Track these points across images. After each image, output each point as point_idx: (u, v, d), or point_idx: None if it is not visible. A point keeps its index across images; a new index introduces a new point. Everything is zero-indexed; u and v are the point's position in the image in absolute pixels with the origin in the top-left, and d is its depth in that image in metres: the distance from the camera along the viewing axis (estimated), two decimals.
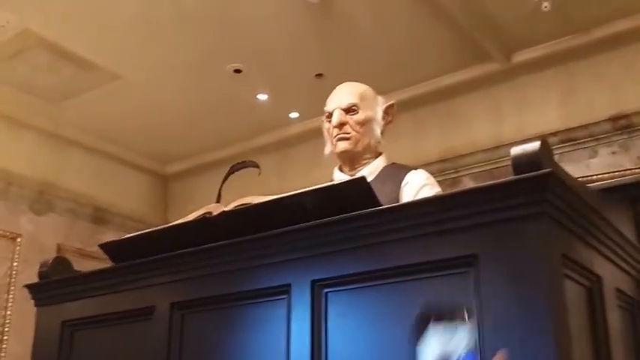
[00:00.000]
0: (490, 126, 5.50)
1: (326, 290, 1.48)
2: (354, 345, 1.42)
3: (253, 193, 1.68)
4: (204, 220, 1.71)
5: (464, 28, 4.98)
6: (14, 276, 5.74)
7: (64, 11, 4.74)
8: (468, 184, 5.37)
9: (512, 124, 5.38)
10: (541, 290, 1.20)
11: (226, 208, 1.67)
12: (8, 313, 5.64)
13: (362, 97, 2.39)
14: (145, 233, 1.86)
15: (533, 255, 1.22)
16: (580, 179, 4.45)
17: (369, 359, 1.40)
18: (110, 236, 5.69)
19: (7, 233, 5.95)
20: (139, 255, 1.82)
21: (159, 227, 1.84)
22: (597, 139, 5.03)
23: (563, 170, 1.32)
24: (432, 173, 2.36)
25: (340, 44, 5.15)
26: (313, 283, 1.49)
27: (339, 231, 1.46)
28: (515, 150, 1.26)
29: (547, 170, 1.22)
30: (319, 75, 5.47)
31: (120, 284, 1.88)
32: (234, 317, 1.65)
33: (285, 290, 1.53)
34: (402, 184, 2.26)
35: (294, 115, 6.24)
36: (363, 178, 1.52)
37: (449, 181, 5.47)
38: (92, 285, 1.96)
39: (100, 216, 6.78)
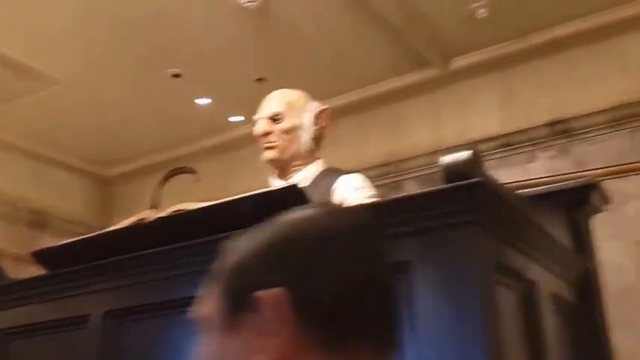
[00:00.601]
0: (431, 130, 5.57)
1: None
2: None
3: (197, 196, 1.67)
4: (140, 226, 1.68)
5: (403, 34, 5.04)
6: None
7: None
8: (411, 187, 5.43)
9: (452, 128, 5.46)
10: (473, 297, 1.21)
11: (162, 214, 1.65)
12: None
13: (289, 105, 2.39)
14: (79, 240, 1.82)
15: (465, 262, 1.24)
16: (518, 183, 4.58)
17: None
18: (49, 240, 5.57)
19: None
20: (73, 262, 1.79)
21: (93, 233, 1.80)
22: (536, 144, 5.12)
23: (493, 178, 1.33)
24: (374, 177, 2.38)
25: (280, 48, 5.16)
26: None
27: None
28: (446, 159, 1.27)
29: (477, 179, 1.23)
30: (260, 79, 5.46)
31: (53, 292, 1.85)
32: (170, 325, 1.62)
33: None
34: (333, 189, 2.25)
35: (236, 118, 6.22)
36: (296, 185, 1.52)
37: (392, 185, 5.52)
38: (25, 293, 1.92)
39: (39, 220, 6.64)
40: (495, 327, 1.24)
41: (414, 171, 5.53)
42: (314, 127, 2.41)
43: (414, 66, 5.48)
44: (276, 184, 2.37)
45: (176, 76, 5.48)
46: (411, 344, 1.24)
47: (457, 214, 1.25)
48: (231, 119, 6.23)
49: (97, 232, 1.80)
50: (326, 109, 2.47)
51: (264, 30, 4.93)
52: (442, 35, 5.16)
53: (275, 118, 2.37)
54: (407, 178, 5.58)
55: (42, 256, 1.94)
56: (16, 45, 5.02)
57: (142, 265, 1.66)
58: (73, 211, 6.97)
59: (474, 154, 1.27)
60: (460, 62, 5.48)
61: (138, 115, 6.10)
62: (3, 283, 2.04)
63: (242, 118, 6.13)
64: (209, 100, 5.93)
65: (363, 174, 2.40)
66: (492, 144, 5.16)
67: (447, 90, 5.58)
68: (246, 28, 4.89)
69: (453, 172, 1.26)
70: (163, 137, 6.55)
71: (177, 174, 2.11)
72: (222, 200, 1.57)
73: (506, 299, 1.37)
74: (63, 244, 1.87)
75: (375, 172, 5.36)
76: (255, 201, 1.53)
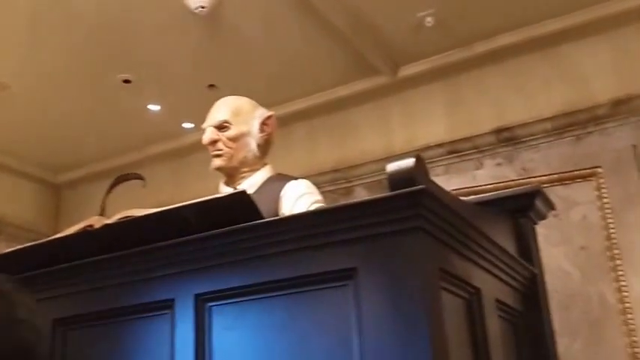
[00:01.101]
0: (380, 137, 5.62)
1: (210, 304, 1.48)
2: (239, 359, 1.42)
3: (148, 203, 1.66)
4: (86, 233, 1.66)
5: (352, 42, 5.07)
6: None
7: None
8: (361, 193, 5.47)
9: (401, 135, 5.51)
10: (418, 303, 1.23)
11: (109, 221, 1.64)
12: None
13: (235, 112, 2.41)
14: (25, 247, 1.79)
15: (410, 268, 1.26)
16: (466, 190, 4.65)
17: None
18: (2, 247, 5.46)
19: None
20: (20, 269, 1.75)
21: (39, 241, 1.78)
22: (482, 151, 5.19)
23: (437, 186, 1.36)
24: (324, 183, 2.39)
25: (231, 55, 5.15)
26: (197, 297, 1.48)
27: (221, 244, 1.47)
28: (391, 166, 1.30)
29: (420, 187, 1.25)
30: (212, 86, 5.44)
31: None
32: (117, 333, 1.62)
33: (168, 305, 1.52)
34: (281, 195, 2.27)
35: (187, 125, 6.19)
36: (243, 192, 1.52)
37: (342, 191, 5.55)
38: None
39: None
40: (440, 333, 1.27)
41: (364, 177, 5.56)
42: (260, 134, 2.42)
43: (363, 74, 5.52)
44: (225, 190, 2.38)
45: (127, 81, 5.42)
46: (357, 351, 1.27)
47: (401, 221, 1.27)
48: (184, 125, 6.19)
49: (44, 240, 1.77)
50: (272, 115, 2.48)
51: (216, 36, 4.92)
52: (391, 43, 5.21)
53: (222, 126, 2.39)
54: (357, 185, 5.61)
55: None
56: None
57: (89, 273, 1.65)
58: (25, 217, 6.85)
59: (418, 161, 1.29)
60: (408, 70, 5.54)
61: (88, 120, 6.01)
62: None
63: (193, 124, 6.10)
64: (160, 106, 5.88)
65: (313, 180, 2.43)
66: (440, 151, 5.22)
67: (396, 97, 5.63)
68: (198, 35, 4.87)
69: (398, 179, 1.28)
70: (114, 143, 6.47)
71: (124, 180, 2.09)
72: (169, 207, 1.56)
73: (451, 305, 1.40)
74: (10, 252, 1.84)
75: (325, 179, 5.39)
76: (202, 208, 1.53)
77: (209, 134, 2.39)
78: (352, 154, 5.67)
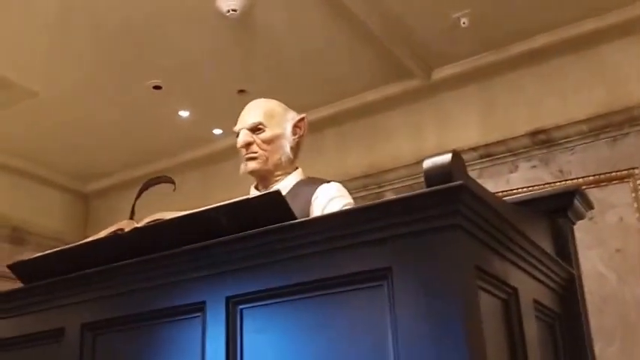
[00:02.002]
0: (412, 141, 5.58)
1: (241, 307, 1.45)
2: None
3: (178, 209, 1.63)
4: (116, 237, 1.65)
5: (385, 45, 5.05)
6: None
7: None
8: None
9: (433, 139, 5.47)
10: (454, 303, 1.19)
11: (138, 225, 1.62)
12: None
13: (268, 115, 2.38)
14: (55, 252, 1.79)
15: (446, 267, 1.21)
16: (500, 194, 4.59)
17: None
18: (29, 256, 5.51)
19: None
20: (50, 274, 1.75)
21: (69, 245, 1.77)
22: (517, 154, 5.14)
23: (475, 182, 1.32)
24: (355, 189, 2.36)
25: (262, 60, 5.15)
26: (228, 299, 1.45)
27: (253, 246, 1.44)
28: (427, 162, 1.25)
29: (458, 183, 1.21)
30: (242, 91, 5.45)
31: (28, 305, 1.81)
32: (147, 337, 1.59)
33: (199, 308, 1.49)
34: (313, 199, 2.25)
35: (217, 131, 6.19)
36: (277, 192, 1.49)
37: (373, 196, 5.52)
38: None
39: (18, 236, 6.58)
40: (477, 334, 1.22)
41: (395, 182, 5.53)
42: (293, 137, 2.40)
43: (395, 77, 5.49)
44: (255, 194, 2.34)
45: (157, 87, 5.44)
46: (392, 353, 1.23)
47: (438, 218, 1.23)
48: (215, 132, 6.20)
49: (74, 244, 1.76)
50: (304, 117, 2.45)
51: (246, 41, 4.92)
52: (424, 47, 5.18)
53: (256, 129, 2.35)
54: (388, 190, 5.58)
55: (19, 269, 1.89)
56: None
57: (119, 277, 1.63)
58: (52, 227, 6.91)
59: (455, 156, 1.25)
60: (442, 73, 5.50)
61: (118, 127, 6.06)
62: None
63: (222, 131, 6.10)
64: (189, 112, 5.89)
65: (344, 186, 2.39)
66: (473, 154, 5.17)
67: (429, 101, 5.59)
68: (228, 39, 4.88)
69: (434, 175, 1.24)
70: (143, 150, 6.51)
71: (154, 184, 2.07)
72: (199, 209, 1.54)
73: (488, 305, 1.35)
74: (39, 256, 1.84)
75: (355, 184, 5.36)
76: (233, 209, 1.50)
77: (243, 136, 2.35)
78: (383, 159, 5.64)
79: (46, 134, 6.13)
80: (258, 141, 2.34)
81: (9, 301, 1.86)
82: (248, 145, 2.35)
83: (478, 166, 5.17)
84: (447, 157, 1.25)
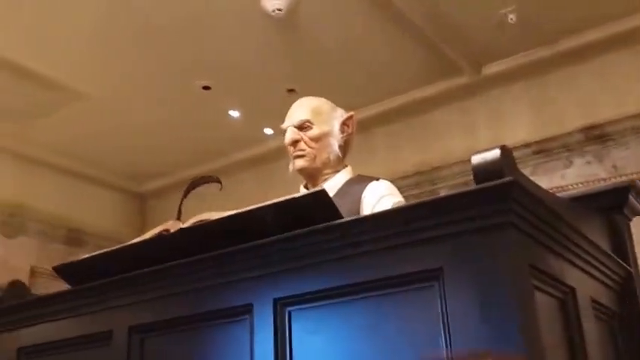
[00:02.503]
0: (464, 138, 5.50)
1: (289, 309, 1.42)
2: None
3: (230, 209, 1.61)
4: (162, 238, 1.63)
5: (433, 42, 4.99)
6: None
7: (26, 31, 4.68)
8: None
9: (485, 136, 5.38)
10: (509, 304, 1.14)
11: (184, 225, 1.60)
12: None
13: (316, 112, 2.35)
14: (102, 253, 1.78)
15: (500, 267, 1.17)
16: (554, 190, 4.48)
17: None
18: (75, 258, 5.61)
19: None
20: (96, 276, 1.75)
21: (115, 247, 1.76)
22: (571, 150, 5.03)
23: (527, 178, 1.27)
24: (407, 186, 2.32)
25: (310, 59, 5.13)
26: (276, 301, 1.42)
27: (300, 246, 1.41)
28: (476, 158, 1.21)
29: (509, 179, 1.16)
30: (291, 90, 5.44)
31: (75, 308, 1.81)
32: (195, 340, 1.58)
33: (247, 310, 1.47)
34: (362, 197, 2.20)
35: (268, 131, 6.20)
36: (322, 191, 1.46)
37: (426, 194, 5.45)
38: (47, 310, 1.89)
39: (74, 237, 6.69)
40: (534, 334, 1.17)
41: (448, 179, 5.46)
42: (341, 135, 2.37)
43: (444, 74, 5.42)
44: (304, 192, 2.32)
45: (206, 88, 5.47)
46: (446, 356, 1.18)
47: (489, 216, 1.19)
48: (265, 131, 6.21)
49: (120, 246, 1.76)
50: (352, 115, 2.42)
51: (293, 40, 4.90)
52: (473, 42, 5.10)
53: (303, 126, 2.33)
54: (441, 187, 5.51)
55: (64, 271, 1.90)
56: (42, 61, 5.06)
57: (165, 279, 1.62)
58: (109, 227, 7.00)
59: (504, 151, 1.20)
60: (492, 69, 5.42)
61: (169, 128, 6.11)
62: (23, 301, 2.01)
63: (272, 130, 6.11)
64: (239, 112, 5.91)
65: (395, 184, 2.35)
66: (526, 151, 5.07)
67: (479, 97, 5.51)
68: (275, 38, 4.87)
69: (484, 172, 1.20)
70: (196, 150, 6.55)
71: (201, 184, 2.06)
72: (245, 209, 1.51)
73: (545, 305, 1.30)
74: (84, 259, 1.84)
75: (408, 182, 5.30)
76: (279, 209, 1.47)
77: (290, 134, 2.33)
78: (435, 157, 5.57)
79: (99, 135, 6.21)
80: (306, 138, 2.32)
81: (57, 303, 1.87)
82: (295, 142, 2.32)
83: (532, 162, 5.07)
84: (495, 153, 1.20)
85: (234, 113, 5.95)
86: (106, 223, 7.05)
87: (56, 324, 1.85)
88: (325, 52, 5.07)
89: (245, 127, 6.15)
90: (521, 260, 1.20)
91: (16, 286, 2.07)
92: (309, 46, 5.01)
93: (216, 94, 5.57)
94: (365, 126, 5.78)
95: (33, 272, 6.13)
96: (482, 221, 1.19)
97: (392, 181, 2.34)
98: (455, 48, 5.15)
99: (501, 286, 1.16)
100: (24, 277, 5.70)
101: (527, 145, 5.09)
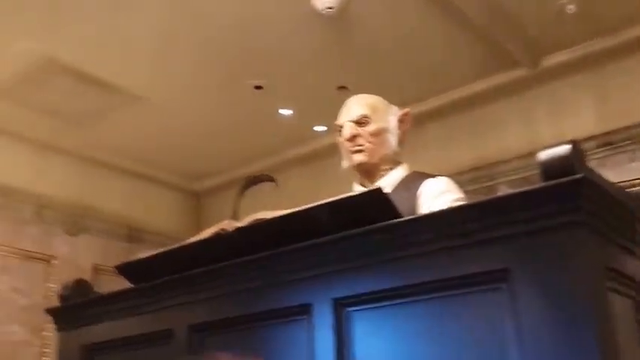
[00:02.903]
0: (523, 132, 5.38)
1: (349, 309, 1.39)
2: None
3: (284, 208, 1.59)
4: (218, 238, 1.62)
5: (488, 34, 4.88)
6: (51, 298, 5.76)
7: (84, 36, 4.76)
8: (504, 192, 5.24)
9: (546, 129, 5.25)
10: (582, 306, 1.08)
11: (240, 224, 1.59)
12: (47, 334, 5.66)
13: (373, 108, 2.33)
14: (160, 253, 1.79)
15: (571, 268, 1.11)
16: (623, 183, 4.34)
17: None
18: (136, 257, 5.71)
19: (42, 255, 6.00)
20: (155, 275, 1.76)
21: (173, 246, 1.76)
22: (637, 142, 4.87)
23: (598, 174, 1.20)
24: (464, 182, 2.25)
25: (361, 55, 5.08)
26: (335, 301, 1.39)
27: (359, 245, 1.37)
28: (544, 154, 1.15)
29: (580, 175, 1.10)
30: (342, 87, 5.40)
31: (137, 306, 1.82)
32: (254, 339, 1.56)
33: (305, 310, 1.44)
34: (419, 194, 2.15)
35: (319, 128, 6.18)
36: (379, 189, 1.42)
37: (484, 190, 5.35)
38: (110, 308, 1.90)
39: (135, 235, 6.81)
40: (610, 339, 1.11)
41: (508, 174, 5.34)
42: (398, 131, 2.34)
43: (501, 66, 5.31)
44: (359, 190, 2.27)
45: (258, 87, 5.48)
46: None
47: (560, 214, 1.13)
48: (316, 129, 6.19)
49: (176, 245, 1.75)
50: (408, 112, 2.39)
51: (344, 37, 4.87)
52: (530, 33, 4.98)
53: (361, 121, 2.30)
54: (499, 183, 5.39)
55: (125, 270, 1.91)
56: (100, 65, 5.15)
57: (223, 278, 1.60)
58: (167, 226, 7.09)
59: (575, 147, 1.14)
60: (551, 61, 5.29)
61: (223, 127, 6.15)
62: (87, 299, 2.03)
63: (325, 127, 6.09)
64: (291, 111, 5.91)
65: (451, 179, 2.29)
66: (591, 144, 4.91)
67: (538, 90, 5.38)
68: (326, 36, 4.85)
69: (553, 168, 1.14)
70: (249, 149, 6.59)
71: (255, 183, 2.05)
72: (301, 208, 1.49)
73: (620, 307, 1.23)
74: (144, 258, 1.84)
75: (465, 178, 5.20)
76: (336, 207, 1.44)
77: (349, 129, 2.30)
78: (493, 151, 5.46)
79: (156, 137, 6.30)
80: (364, 134, 2.29)
81: (119, 301, 1.88)
82: (354, 137, 2.29)
83: (597, 156, 4.91)
84: (566, 148, 1.14)
85: (286, 112, 5.95)
86: (165, 222, 7.14)
87: (118, 322, 1.86)
88: (377, 48, 5.01)
89: (296, 125, 6.15)
90: (595, 260, 1.14)
91: (80, 284, 2.09)
92: (361, 42, 4.96)
93: (268, 93, 5.58)
94: (417, 122, 5.71)
95: (96, 270, 6.26)
96: (551, 220, 1.14)
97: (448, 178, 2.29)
98: (512, 40, 5.03)
99: (573, 288, 1.10)
100: (88, 275, 5.81)
101: (591, 138, 4.94)
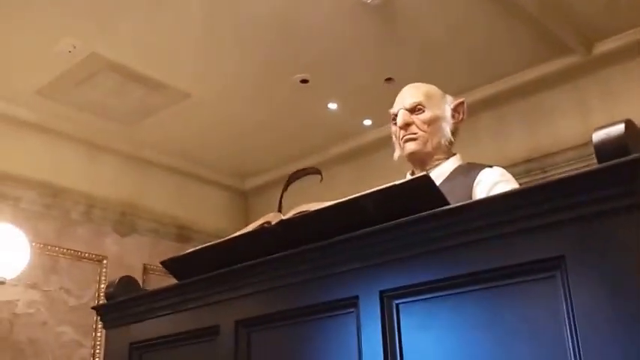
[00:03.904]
0: (577, 121, 5.24)
1: (397, 301, 1.35)
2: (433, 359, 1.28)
3: (330, 201, 1.56)
4: (263, 230, 1.60)
5: (539, 21, 4.76)
6: (102, 298, 5.84)
7: (129, 33, 4.79)
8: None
9: (601, 117, 5.10)
10: None
11: (285, 217, 1.56)
12: (98, 335, 5.74)
13: (427, 96, 2.29)
14: (205, 247, 1.78)
15: (631, 255, 1.05)
16: None
17: None
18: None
19: (93, 255, 6.08)
20: (201, 270, 1.75)
21: (218, 240, 1.74)
22: None
23: None
24: (518, 174, 2.19)
25: (407, 46, 5.01)
26: (382, 293, 1.36)
27: (406, 235, 1.33)
28: (598, 135, 1.09)
29: (634, 156, 1.04)
30: (389, 79, 5.34)
31: (183, 303, 1.81)
32: (302, 333, 1.54)
33: (352, 303, 1.41)
34: (475, 184, 2.10)
35: (367, 122, 6.13)
36: (426, 176, 1.38)
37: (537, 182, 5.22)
38: (156, 304, 1.89)
39: (183, 234, 6.84)
40: None
41: (562, 166, 5.21)
42: (453, 120, 2.30)
43: (553, 53, 5.19)
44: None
45: (304, 81, 5.45)
46: (571, 352, 1.08)
47: (615, 198, 1.07)
48: (364, 122, 6.14)
49: (222, 239, 1.74)
50: (463, 101, 2.36)
51: (389, 26, 4.81)
52: (582, 20, 4.85)
53: (415, 109, 2.27)
54: (553, 174, 5.26)
55: (171, 266, 1.90)
56: (144, 62, 5.19)
57: (269, 271, 1.58)
58: (214, 224, 7.12)
59: (630, 126, 1.08)
60: (604, 47, 5.14)
61: (270, 124, 6.14)
62: (133, 296, 2.03)
63: (372, 121, 6.03)
64: (338, 105, 5.86)
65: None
66: None
67: (592, 77, 5.24)
68: (371, 26, 4.79)
69: (606, 149, 1.08)
70: (296, 146, 6.56)
71: (301, 176, 2.03)
72: (346, 198, 1.45)
73: None
74: (190, 252, 1.84)
75: (518, 170, 5.09)
76: (382, 196, 1.40)
77: (403, 116, 2.26)
78: (547, 142, 5.33)
79: (202, 134, 6.32)
80: (418, 122, 2.25)
81: (165, 298, 1.87)
82: (407, 125, 2.26)
83: None
84: (619, 128, 1.09)
85: (333, 106, 5.90)
86: (212, 220, 7.17)
87: (165, 318, 1.85)
88: (422, 37, 4.94)
89: (344, 120, 6.10)
90: None
91: (126, 281, 2.09)
92: (407, 32, 4.89)
93: (314, 87, 5.54)
94: (470, 111, 5.60)
95: (146, 269, 6.32)
96: (606, 204, 1.08)
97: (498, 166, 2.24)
98: (563, 26, 4.90)
99: (631, 276, 1.04)
100: (137, 274, 5.89)
101: None
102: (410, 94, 2.32)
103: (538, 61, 5.29)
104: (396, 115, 2.30)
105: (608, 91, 5.15)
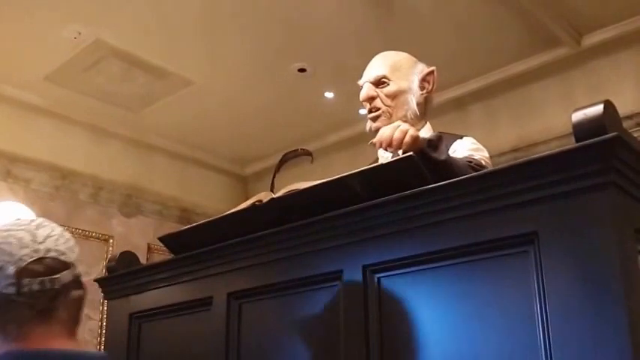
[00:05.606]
0: (564, 112, 5.20)
1: (379, 275, 1.42)
2: (411, 331, 1.34)
3: None
4: (254, 208, 1.66)
5: (529, 13, 4.77)
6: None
7: (133, 20, 4.81)
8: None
9: None
10: (611, 271, 1.07)
11: (275, 195, 1.62)
12: (105, 308, 5.84)
13: (394, 68, 2.22)
14: (200, 224, 1.85)
15: (601, 231, 1.09)
16: None
17: (428, 344, 1.32)
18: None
19: (100, 235, 6.19)
20: (196, 245, 1.82)
21: (212, 218, 1.81)
22: None
23: (631, 135, 1.18)
24: (505, 162, 2.17)
25: (403, 35, 5.01)
26: (365, 268, 1.42)
27: (388, 212, 1.39)
28: (577, 115, 1.14)
29: (612, 134, 1.08)
30: None
31: (179, 276, 1.89)
32: (289, 305, 1.62)
33: (336, 277, 1.48)
34: (450, 153, 2.05)
35: (363, 111, 6.14)
36: (411, 157, 1.43)
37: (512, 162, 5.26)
38: (154, 277, 1.98)
39: (185, 217, 6.93)
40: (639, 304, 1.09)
41: None
42: (421, 92, 2.22)
43: (543, 46, 5.20)
44: (384, 155, 2.19)
45: (302, 70, 5.48)
46: (540, 325, 1.14)
47: (589, 176, 1.11)
48: (361, 112, 6.16)
49: (215, 217, 1.81)
50: (433, 70, 2.27)
51: (386, 16, 4.82)
52: (572, 11, 4.86)
53: (380, 82, 2.21)
54: None
55: (168, 242, 1.98)
56: (148, 49, 5.19)
57: (259, 247, 1.65)
58: (216, 208, 7.17)
59: (608, 107, 1.13)
60: (593, 39, 5.16)
61: (269, 111, 6.17)
62: (133, 268, 2.10)
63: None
64: (335, 94, 5.89)
65: (493, 161, 2.20)
66: (630, 122, 4.80)
67: (580, 69, 5.26)
68: (368, 16, 4.81)
69: (584, 129, 1.12)
70: (294, 133, 6.57)
71: (292, 157, 2.06)
72: (334, 177, 1.51)
73: None
74: (187, 229, 1.90)
75: (505, 159, 5.13)
76: (366, 176, 1.46)
77: (366, 90, 2.22)
78: (534, 132, 5.37)
79: (204, 120, 6.36)
80: (382, 95, 2.19)
81: (162, 271, 1.95)
82: (371, 99, 2.21)
83: (637, 134, 4.80)
84: (598, 108, 1.13)
85: (330, 95, 5.94)
86: (214, 204, 7.23)
87: (162, 290, 1.93)
88: (419, 28, 4.95)
89: (340, 109, 6.12)
90: (623, 223, 1.12)
91: (126, 256, 2.16)
92: (403, 23, 4.90)
93: (312, 76, 5.57)
94: (460, 102, 5.63)
95: (150, 249, 6.44)
96: (580, 182, 1.12)
97: (489, 158, 2.21)
98: (553, 18, 4.90)
99: (602, 252, 1.09)
100: (142, 254, 5.97)
101: (630, 117, 4.79)
102: (375, 66, 2.25)
103: (528, 52, 5.29)
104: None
105: (595, 83, 5.18)
